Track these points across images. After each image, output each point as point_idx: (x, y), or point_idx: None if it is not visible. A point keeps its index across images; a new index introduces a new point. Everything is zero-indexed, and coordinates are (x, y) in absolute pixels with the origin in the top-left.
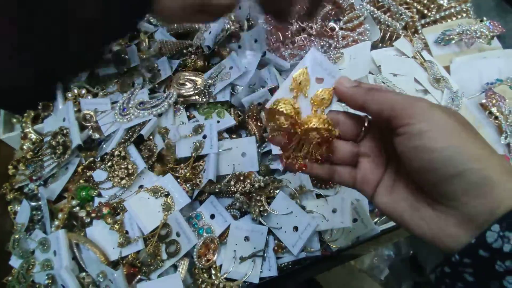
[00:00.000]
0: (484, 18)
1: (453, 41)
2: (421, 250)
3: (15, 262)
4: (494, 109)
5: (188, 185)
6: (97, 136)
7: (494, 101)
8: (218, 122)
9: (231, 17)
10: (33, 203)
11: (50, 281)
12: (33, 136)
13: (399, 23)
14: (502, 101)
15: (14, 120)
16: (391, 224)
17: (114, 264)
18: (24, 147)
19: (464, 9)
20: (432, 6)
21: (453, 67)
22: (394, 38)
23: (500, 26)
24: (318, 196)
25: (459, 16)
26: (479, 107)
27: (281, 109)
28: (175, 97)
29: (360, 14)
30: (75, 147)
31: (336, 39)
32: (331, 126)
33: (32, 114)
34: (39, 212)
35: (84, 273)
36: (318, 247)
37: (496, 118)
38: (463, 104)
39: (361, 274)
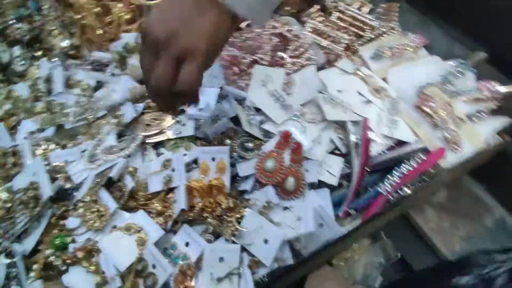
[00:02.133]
0: (410, 33)
1: (386, 56)
2: (408, 251)
3: None
4: (427, 109)
5: (161, 218)
6: (68, 185)
7: (426, 102)
8: (185, 155)
9: None
10: (7, 260)
11: None
12: (4, 195)
13: (339, 46)
14: (433, 101)
15: None
16: (356, 224)
17: None
18: None
19: (392, 27)
20: (366, 27)
21: (389, 77)
22: (337, 59)
23: (423, 38)
24: (286, 208)
25: (390, 33)
26: (416, 109)
27: None
28: (141, 138)
29: (305, 42)
30: (47, 199)
31: (286, 66)
32: None
33: (3, 173)
34: (14, 270)
35: None
36: (289, 255)
37: (431, 116)
38: (403, 108)
39: (355, 286)
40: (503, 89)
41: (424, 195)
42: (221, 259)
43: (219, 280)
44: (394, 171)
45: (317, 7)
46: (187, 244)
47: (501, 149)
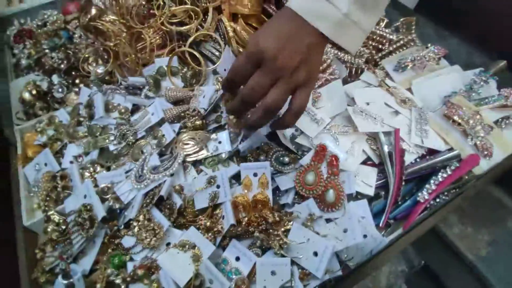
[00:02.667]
0: (429, 45)
1: (409, 67)
2: (432, 258)
3: None
4: (456, 117)
5: (210, 234)
6: (117, 205)
7: (454, 111)
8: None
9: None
10: (65, 281)
11: None
12: (56, 217)
13: (361, 60)
14: (460, 109)
15: (35, 205)
16: (397, 233)
17: None
18: (48, 229)
19: (411, 39)
20: (384, 41)
21: (414, 88)
22: (359, 72)
23: (443, 49)
24: (328, 220)
25: (409, 46)
26: (443, 118)
27: None
28: (183, 156)
29: (327, 57)
30: (101, 220)
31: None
32: None
33: (53, 197)
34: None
35: None
36: (338, 267)
37: (459, 124)
38: (430, 117)
39: None
40: None
41: (457, 202)
42: (273, 273)
43: None
44: (431, 179)
45: None
46: (237, 259)
47: None
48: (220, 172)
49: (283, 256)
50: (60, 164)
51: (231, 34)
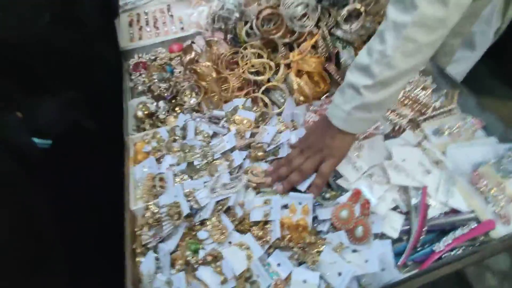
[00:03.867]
0: (468, 116)
1: (445, 134)
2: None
3: None
4: (479, 185)
5: (260, 242)
6: (195, 206)
7: (479, 179)
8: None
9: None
10: (155, 255)
11: None
12: (152, 207)
13: (404, 120)
14: (485, 178)
15: (138, 196)
16: (412, 272)
17: None
18: (146, 215)
19: (452, 108)
20: (428, 106)
21: (448, 152)
22: (402, 130)
23: (479, 122)
24: (354, 250)
25: (450, 114)
26: (470, 183)
27: None
28: (245, 180)
29: None
30: (186, 215)
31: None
32: None
33: (152, 192)
34: (158, 261)
35: None
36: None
37: (483, 193)
38: (458, 180)
39: None
40: None
41: (477, 258)
42: (304, 281)
43: None
44: (449, 234)
45: None
46: (278, 265)
47: None
48: (275, 197)
49: (313, 270)
50: (159, 168)
51: (295, 87)
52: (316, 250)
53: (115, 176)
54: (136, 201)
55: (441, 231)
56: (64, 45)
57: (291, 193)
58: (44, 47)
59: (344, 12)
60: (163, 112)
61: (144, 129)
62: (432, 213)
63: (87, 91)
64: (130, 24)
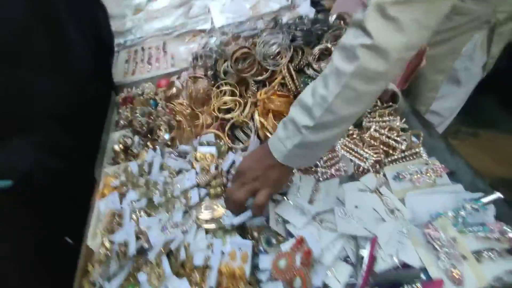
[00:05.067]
0: (435, 160)
1: (407, 179)
2: None
3: None
4: (431, 239)
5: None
6: (146, 246)
7: (432, 232)
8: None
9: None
10: None
11: None
12: (107, 244)
13: (367, 162)
14: (440, 231)
15: (98, 231)
16: None
17: None
18: (100, 251)
19: (417, 152)
20: (395, 147)
21: (407, 200)
22: (365, 171)
23: (443, 168)
24: None
25: (415, 156)
26: (423, 235)
27: None
28: (195, 219)
29: (336, 154)
30: (132, 254)
31: (318, 174)
32: None
33: (109, 228)
34: None
35: None
36: None
37: (436, 248)
38: (413, 232)
39: None
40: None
41: None
42: None
43: None
44: None
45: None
46: None
47: None
48: (217, 241)
49: None
50: (121, 203)
51: (259, 125)
52: None
53: (82, 211)
54: (95, 236)
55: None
56: (50, 89)
57: (232, 239)
58: (28, 90)
59: (316, 51)
60: (137, 147)
61: (117, 163)
62: (380, 266)
63: (67, 129)
64: (127, 61)
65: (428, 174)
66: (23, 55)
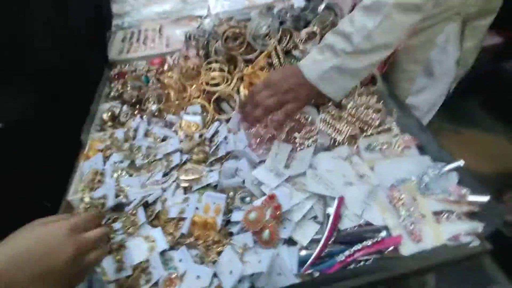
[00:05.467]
0: (406, 134)
1: (377, 149)
2: None
3: None
4: (395, 201)
5: (170, 237)
6: (124, 201)
7: (395, 193)
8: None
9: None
10: None
11: None
12: (87, 199)
13: (342, 135)
14: (402, 193)
15: (79, 189)
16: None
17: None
18: (81, 206)
19: (390, 127)
20: (370, 124)
21: (376, 168)
22: (339, 144)
23: (412, 139)
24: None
25: (387, 131)
26: (387, 197)
27: None
28: (175, 177)
29: (314, 127)
30: (109, 207)
31: (297, 145)
32: None
33: (90, 186)
34: None
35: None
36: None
37: (395, 206)
38: (379, 196)
39: None
40: (471, 198)
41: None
42: (197, 277)
43: None
44: (354, 246)
45: (330, 105)
46: (180, 260)
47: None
48: (193, 195)
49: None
50: (104, 165)
51: (243, 98)
52: (217, 250)
53: (65, 172)
54: (76, 193)
55: (353, 245)
56: (50, 45)
57: (207, 193)
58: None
59: (303, 34)
60: (125, 116)
61: (104, 130)
62: (346, 224)
63: (59, 89)
64: (123, 40)
65: (397, 145)
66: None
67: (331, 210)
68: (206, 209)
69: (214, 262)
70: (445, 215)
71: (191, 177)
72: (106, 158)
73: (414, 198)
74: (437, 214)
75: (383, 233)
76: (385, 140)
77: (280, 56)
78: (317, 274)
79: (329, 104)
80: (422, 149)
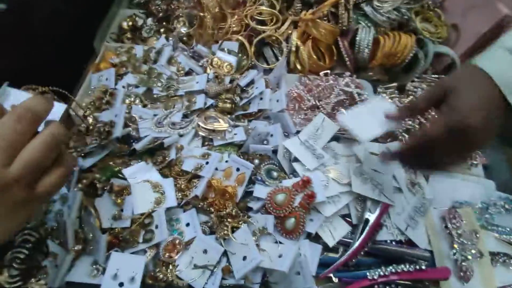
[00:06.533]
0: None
1: None
2: None
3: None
4: (450, 225)
5: (180, 194)
6: (134, 134)
7: (452, 218)
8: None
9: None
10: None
11: (56, 226)
12: (90, 120)
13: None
14: (461, 220)
15: (83, 104)
16: None
17: (104, 231)
18: (83, 125)
19: None
20: None
21: (432, 178)
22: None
23: (483, 157)
24: (277, 242)
25: None
26: (441, 219)
27: None
28: (196, 125)
29: None
30: (115, 137)
31: None
32: None
33: (97, 105)
34: (72, 175)
35: (80, 229)
36: (258, 281)
37: (450, 234)
38: (429, 212)
39: None
40: None
41: None
42: (205, 251)
43: (195, 266)
44: (390, 265)
45: (394, 84)
46: (187, 225)
47: None
48: (215, 153)
49: (221, 244)
50: (116, 84)
51: (293, 48)
52: (233, 225)
53: (72, 77)
54: (78, 108)
55: (386, 260)
56: None
57: (233, 156)
58: None
59: None
60: (148, 31)
61: (122, 41)
62: (383, 236)
63: None
64: None
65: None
66: None
67: (371, 216)
68: (227, 174)
69: (225, 239)
70: (503, 259)
71: (212, 127)
72: (119, 77)
73: (474, 230)
74: (493, 254)
75: (425, 259)
76: None
77: (349, 7)
78: (336, 280)
79: (392, 84)
80: (487, 169)
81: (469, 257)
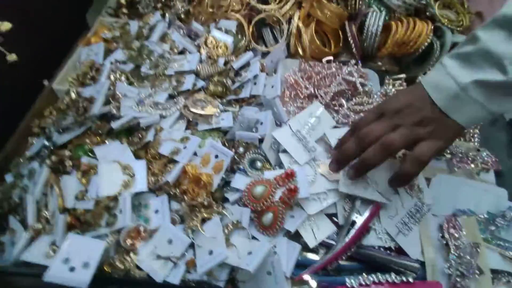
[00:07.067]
0: (486, 151)
1: (443, 158)
2: None
3: (8, 177)
4: (447, 235)
5: (153, 178)
6: (114, 112)
7: (451, 227)
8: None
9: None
10: (45, 142)
11: (19, 202)
12: (73, 95)
13: None
14: (459, 231)
15: (70, 78)
16: None
17: (69, 212)
18: (65, 100)
19: (472, 135)
20: None
21: (434, 181)
22: None
23: (496, 163)
24: (253, 237)
25: (464, 140)
26: (438, 227)
27: None
28: (181, 107)
29: (371, 102)
30: (93, 114)
31: (340, 114)
32: None
33: (80, 79)
34: (46, 150)
35: (44, 208)
36: (224, 279)
37: (447, 244)
38: (427, 218)
39: None
40: None
41: None
42: (169, 241)
43: (158, 257)
44: (373, 274)
45: (403, 75)
46: (156, 211)
47: None
48: (194, 138)
49: (188, 236)
50: (104, 59)
51: (294, 31)
52: (205, 216)
53: (61, 51)
54: (63, 82)
55: (371, 267)
56: None
57: (211, 141)
58: None
59: None
60: (144, 6)
61: (118, 16)
62: (370, 241)
63: None
64: None
65: (474, 163)
66: None
67: (358, 218)
68: (205, 160)
69: (193, 230)
70: (507, 279)
71: (199, 111)
72: (110, 52)
73: (476, 243)
74: (495, 273)
75: (414, 271)
76: (459, 149)
77: None
78: (314, 284)
79: (401, 75)
80: (499, 176)
81: (465, 273)
